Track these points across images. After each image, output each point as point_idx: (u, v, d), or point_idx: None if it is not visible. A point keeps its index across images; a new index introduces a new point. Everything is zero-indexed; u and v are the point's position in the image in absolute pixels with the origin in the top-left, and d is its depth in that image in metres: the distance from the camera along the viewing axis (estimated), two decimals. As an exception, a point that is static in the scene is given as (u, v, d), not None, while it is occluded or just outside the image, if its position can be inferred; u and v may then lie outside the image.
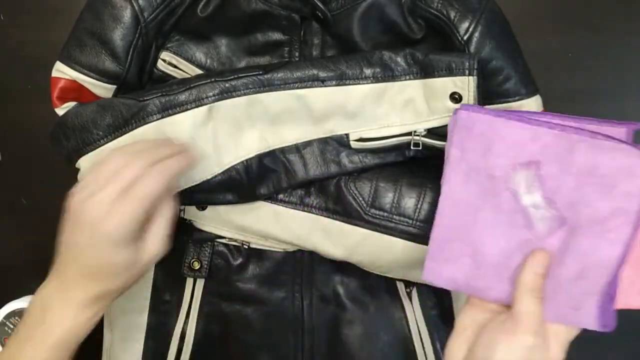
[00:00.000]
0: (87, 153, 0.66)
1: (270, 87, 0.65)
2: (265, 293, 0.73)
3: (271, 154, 0.67)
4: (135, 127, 0.65)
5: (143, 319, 0.74)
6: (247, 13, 0.69)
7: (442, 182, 0.59)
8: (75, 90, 0.67)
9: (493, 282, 0.58)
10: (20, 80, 0.79)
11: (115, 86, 0.68)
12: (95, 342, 0.75)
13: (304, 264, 0.73)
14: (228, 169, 0.66)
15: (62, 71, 0.67)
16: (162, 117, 0.65)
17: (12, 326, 0.78)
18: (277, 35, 0.70)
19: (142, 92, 0.66)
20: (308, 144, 0.67)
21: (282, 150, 0.67)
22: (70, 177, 0.68)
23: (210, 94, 0.65)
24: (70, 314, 0.57)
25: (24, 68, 0.79)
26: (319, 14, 0.68)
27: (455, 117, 0.59)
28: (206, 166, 0.66)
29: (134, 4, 0.66)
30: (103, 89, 0.68)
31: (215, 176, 0.67)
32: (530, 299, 0.55)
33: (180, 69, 0.70)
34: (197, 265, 0.72)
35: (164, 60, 0.70)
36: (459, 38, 0.67)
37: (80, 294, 0.57)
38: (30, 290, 0.80)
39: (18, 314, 0.78)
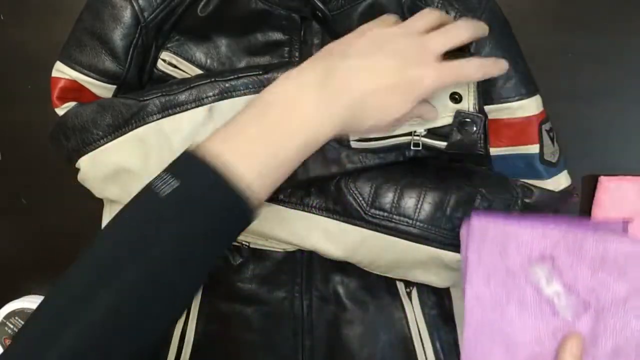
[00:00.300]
0: (87, 153, 0.66)
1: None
2: (265, 293, 0.73)
3: None
4: (136, 127, 0.65)
5: (143, 319, 0.74)
6: (247, 13, 0.69)
7: (464, 284, 0.62)
8: (75, 91, 0.67)
9: None
10: (20, 80, 0.79)
11: (115, 86, 0.68)
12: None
13: (304, 264, 0.73)
14: None
15: (62, 71, 0.67)
16: (162, 117, 0.65)
17: (12, 326, 0.78)
18: (277, 35, 0.70)
19: (142, 92, 0.66)
20: None
21: None
22: (70, 177, 0.68)
23: (210, 93, 0.65)
24: (327, 123, 0.54)
25: (24, 68, 0.79)
26: (319, 14, 0.68)
27: (469, 225, 0.61)
28: None
29: (134, 4, 0.66)
30: (103, 89, 0.68)
31: None
32: None
33: (180, 69, 0.70)
34: (197, 265, 0.72)
35: (164, 60, 0.70)
36: (459, 38, 0.67)
37: (340, 120, 0.54)
38: (31, 290, 0.81)
39: (18, 314, 0.78)
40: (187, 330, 0.73)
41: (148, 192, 0.51)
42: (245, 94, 0.65)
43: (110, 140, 0.65)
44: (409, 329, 0.74)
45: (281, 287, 0.73)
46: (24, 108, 0.79)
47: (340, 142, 0.67)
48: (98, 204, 0.71)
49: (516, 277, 0.60)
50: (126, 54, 0.67)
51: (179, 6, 0.68)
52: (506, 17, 0.69)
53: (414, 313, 0.74)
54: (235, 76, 0.65)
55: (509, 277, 0.60)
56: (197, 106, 0.65)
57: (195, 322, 0.73)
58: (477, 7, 0.67)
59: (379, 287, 0.74)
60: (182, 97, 0.65)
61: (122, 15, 0.66)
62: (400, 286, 0.74)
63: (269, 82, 0.65)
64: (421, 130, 0.66)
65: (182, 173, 0.51)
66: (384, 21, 0.60)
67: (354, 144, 0.67)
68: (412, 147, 0.67)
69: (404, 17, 0.68)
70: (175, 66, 0.70)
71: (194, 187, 0.50)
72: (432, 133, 0.66)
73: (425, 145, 0.66)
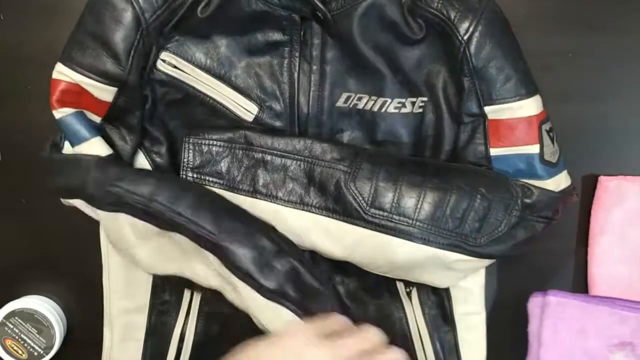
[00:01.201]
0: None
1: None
2: (265, 293, 0.73)
3: None
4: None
5: (143, 319, 0.74)
6: (247, 13, 0.69)
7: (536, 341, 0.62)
8: (75, 94, 0.67)
9: None
10: (20, 80, 0.79)
11: (116, 88, 0.68)
12: (95, 342, 0.75)
13: (304, 264, 0.73)
14: None
15: (63, 73, 0.67)
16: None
17: (12, 326, 0.78)
18: (277, 36, 0.70)
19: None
20: None
21: None
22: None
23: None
24: None
25: (24, 68, 0.79)
26: (319, 14, 0.68)
27: (541, 300, 0.62)
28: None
29: (135, 6, 0.66)
30: (104, 91, 0.68)
31: None
32: None
33: (180, 69, 0.70)
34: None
35: (164, 61, 0.70)
36: (459, 38, 0.67)
37: None
38: (31, 291, 0.81)
39: (18, 314, 0.78)
40: (186, 330, 0.73)
41: None
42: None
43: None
44: (408, 328, 0.74)
45: (281, 287, 0.73)
46: (24, 108, 0.79)
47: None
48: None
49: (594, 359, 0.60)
50: (127, 56, 0.67)
51: (180, 7, 0.68)
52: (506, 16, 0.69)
53: (414, 313, 0.74)
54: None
55: (586, 358, 0.60)
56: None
57: (195, 322, 0.73)
58: (477, 7, 0.67)
59: (379, 287, 0.74)
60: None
61: (123, 17, 0.66)
62: (400, 286, 0.74)
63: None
64: None
65: None
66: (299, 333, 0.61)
67: None
68: None
69: (404, 17, 0.69)
70: (175, 66, 0.70)
71: None
72: None
73: None
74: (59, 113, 0.67)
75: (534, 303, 0.62)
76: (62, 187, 0.68)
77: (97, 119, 0.68)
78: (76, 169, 0.67)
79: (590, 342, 0.59)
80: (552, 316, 0.61)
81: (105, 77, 0.67)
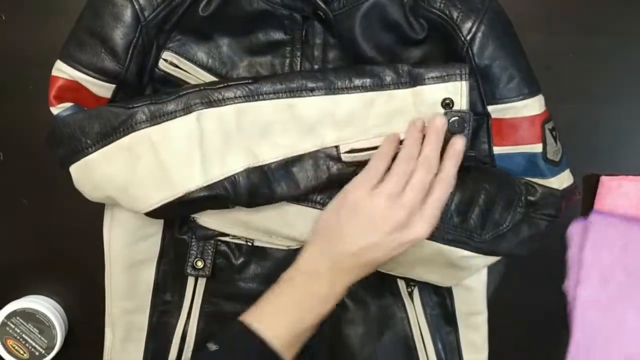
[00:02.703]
0: (77, 161, 0.65)
1: (259, 96, 0.65)
2: (267, 293, 0.73)
3: (259, 169, 0.66)
4: (124, 135, 0.65)
5: (144, 319, 0.74)
6: (248, 12, 0.69)
7: (572, 286, 0.62)
8: (73, 90, 0.67)
9: None
10: (20, 80, 0.79)
11: (114, 85, 0.68)
12: (96, 342, 0.75)
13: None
14: (213, 185, 0.65)
15: (61, 70, 0.67)
16: (151, 125, 0.64)
17: (12, 326, 0.78)
18: (278, 35, 0.70)
19: (131, 101, 0.66)
20: (298, 159, 0.66)
21: (271, 166, 0.66)
22: (70, 177, 0.68)
23: (199, 101, 0.64)
24: (333, 298, 0.64)
25: (24, 68, 0.78)
26: (321, 14, 0.68)
27: (584, 224, 0.62)
28: (190, 178, 0.65)
29: (135, 3, 0.66)
30: (102, 88, 0.68)
31: (200, 190, 0.65)
32: None
33: (182, 69, 0.70)
34: (200, 264, 0.72)
35: (166, 60, 0.70)
36: (462, 38, 0.67)
37: (350, 279, 0.64)
38: (31, 290, 0.81)
39: (19, 314, 0.77)
40: (188, 330, 0.73)
41: None
42: (234, 103, 0.65)
43: (99, 149, 0.65)
44: (410, 328, 0.74)
45: (282, 286, 0.73)
46: (24, 108, 0.79)
47: (331, 156, 0.67)
48: (98, 204, 0.71)
49: (635, 279, 0.59)
50: (126, 53, 0.67)
51: (180, 6, 0.68)
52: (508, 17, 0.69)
53: (416, 313, 0.74)
54: (224, 85, 0.65)
55: (628, 277, 0.59)
56: (186, 114, 0.64)
57: (196, 321, 0.73)
58: (479, 8, 0.67)
59: (381, 287, 0.74)
60: (171, 106, 0.64)
61: (123, 14, 0.66)
62: (402, 286, 0.74)
63: (258, 91, 0.65)
64: None
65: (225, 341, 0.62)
66: (370, 178, 0.64)
67: (344, 157, 0.66)
68: None
69: (406, 17, 0.68)
70: (176, 66, 0.70)
71: (237, 352, 0.62)
72: None
73: None
74: (57, 109, 0.67)
75: (576, 227, 0.61)
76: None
77: None
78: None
79: (630, 259, 0.59)
80: (594, 236, 0.60)
81: (103, 74, 0.67)
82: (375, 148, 0.66)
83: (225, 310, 0.73)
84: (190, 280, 0.73)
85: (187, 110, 0.64)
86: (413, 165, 0.63)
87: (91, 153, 0.65)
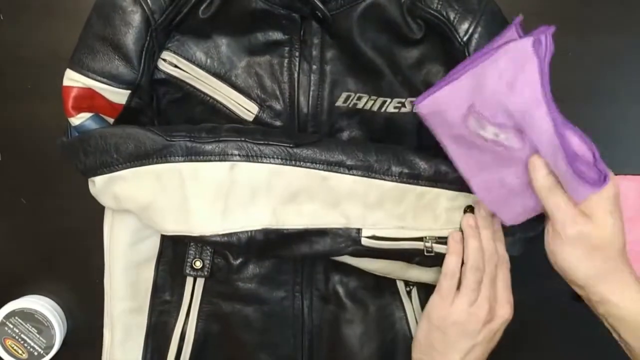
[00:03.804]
0: (103, 174, 0.65)
1: (296, 162, 0.65)
2: (265, 293, 0.73)
3: (279, 232, 0.66)
4: (156, 163, 0.65)
5: (143, 319, 0.74)
6: (247, 12, 0.69)
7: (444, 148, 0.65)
8: (88, 98, 0.66)
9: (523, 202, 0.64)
10: (20, 80, 0.79)
11: (129, 91, 0.67)
12: (95, 342, 0.75)
13: (304, 263, 0.73)
14: (229, 235, 0.65)
15: (74, 79, 0.66)
16: (184, 161, 0.64)
17: (12, 326, 0.78)
18: (277, 35, 0.70)
19: (170, 129, 0.66)
20: (319, 232, 0.66)
21: (290, 231, 0.66)
22: (70, 177, 0.68)
23: (237, 152, 0.64)
24: None
25: (24, 68, 0.78)
26: (319, 14, 0.68)
27: (419, 112, 0.64)
28: (209, 223, 0.65)
29: (145, 7, 0.65)
30: (118, 95, 0.67)
31: (215, 235, 0.65)
32: (555, 196, 0.60)
33: (181, 69, 0.70)
34: (199, 265, 0.72)
35: (165, 60, 0.70)
36: (459, 39, 0.67)
37: None
38: (29, 290, 0.81)
39: (18, 313, 0.78)
40: (187, 329, 0.73)
41: None
42: (270, 163, 0.65)
43: (128, 168, 0.65)
44: (409, 328, 0.74)
45: (281, 286, 0.73)
46: (24, 108, 0.79)
47: (351, 238, 0.67)
48: (98, 204, 0.71)
49: (465, 136, 0.62)
50: (139, 58, 0.66)
51: (185, 5, 0.68)
52: (505, 17, 0.69)
53: (414, 312, 0.75)
54: (266, 142, 0.65)
55: (462, 137, 0.62)
56: (221, 160, 0.64)
57: (195, 321, 0.73)
58: (476, 9, 0.67)
59: (379, 287, 0.74)
60: (208, 147, 0.64)
61: (134, 19, 0.65)
62: (401, 285, 0.74)
63: (297, 157, 0.65)
64: (433, 236, 0.67)
65: None
66: (445, 297, 0.68)
67: (365, 241, 0.67)
68: (425, 254, 0.67)
69: (403, 18, 0.68)
70: (175, 66, 0.70)
71: None
72: (441, 241, 0.67)
73: (436, 252, 0.67)
74: (77, 119, 0.66)
75: (418, 114, 0.65)
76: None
77: (110, 121, 0.68)
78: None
79: (452, 125, 0.62)
80: (432, 120, 0.64)
81: (119, 81, 0.66)
82: (396, 239, 0.66)
83: (223, 310, 0.73)
84: (189, 281, 0.73)
85: (222, 157, 0.64)
86: (480, 275, 0.67)
87: (120, 170, 0.65)
